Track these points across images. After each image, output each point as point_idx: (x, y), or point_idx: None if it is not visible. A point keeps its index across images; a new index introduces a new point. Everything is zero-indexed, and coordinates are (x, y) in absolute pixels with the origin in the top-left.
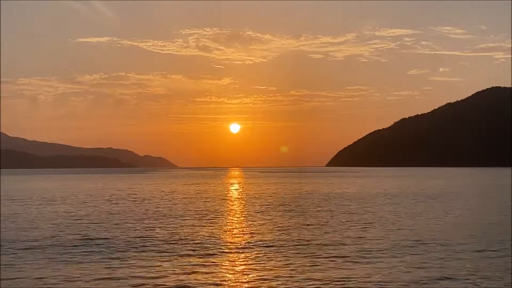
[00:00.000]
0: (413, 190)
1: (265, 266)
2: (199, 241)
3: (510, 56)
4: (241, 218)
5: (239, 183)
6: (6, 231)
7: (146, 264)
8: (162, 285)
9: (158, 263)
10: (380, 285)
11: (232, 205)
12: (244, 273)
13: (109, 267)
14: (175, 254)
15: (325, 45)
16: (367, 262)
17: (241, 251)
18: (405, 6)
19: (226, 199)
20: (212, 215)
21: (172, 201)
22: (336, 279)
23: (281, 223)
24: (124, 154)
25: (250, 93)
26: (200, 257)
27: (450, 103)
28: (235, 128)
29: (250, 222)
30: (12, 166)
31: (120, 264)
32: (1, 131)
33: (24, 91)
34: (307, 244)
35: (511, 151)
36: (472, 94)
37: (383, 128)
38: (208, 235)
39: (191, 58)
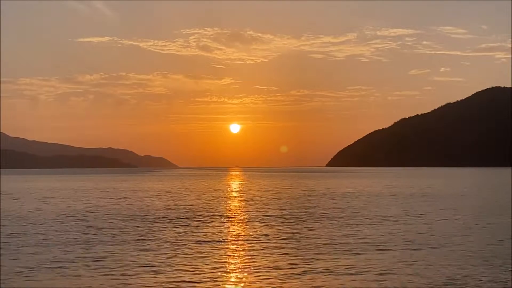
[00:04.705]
0: (414, 190)
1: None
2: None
3: (511, 56)
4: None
5: (239, 185)
6: (6, 231)
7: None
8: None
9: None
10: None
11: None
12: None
13: (110, 265)
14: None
15: (326, 45)
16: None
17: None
18: (406, 6)
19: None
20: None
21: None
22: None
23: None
24: (124, 154)
25: (251, 93)
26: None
27: (450, 103)
28: (235, 128)
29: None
30: (12, 166)
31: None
32: (1, 131)
33: (24, 91)
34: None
35: (511, 151)
36: (472, 94)
37: (383, 128)
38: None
39: (191, 58)
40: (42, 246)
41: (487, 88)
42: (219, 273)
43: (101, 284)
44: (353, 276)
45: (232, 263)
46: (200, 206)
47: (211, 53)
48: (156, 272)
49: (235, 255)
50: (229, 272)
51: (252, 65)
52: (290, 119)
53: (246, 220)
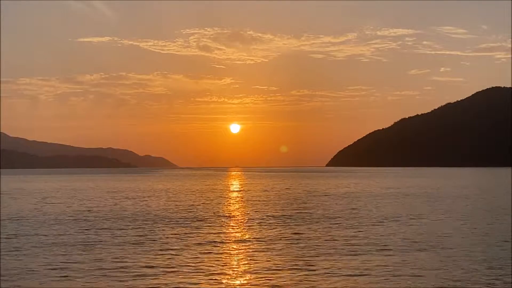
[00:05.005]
0: (414, 190)
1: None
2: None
3: (511, 56)
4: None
5: (239, 185)
6: (6, 231)
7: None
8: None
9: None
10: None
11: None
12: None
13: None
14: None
15: (326, 45)
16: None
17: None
18: (406, 6)
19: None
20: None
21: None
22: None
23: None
24: (124, 154)
25: (251, 93)
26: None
27: (450, 103)
28: (235, 128)
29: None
30: (12, 166)
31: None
32: (1, 131)
33: (24, 91)
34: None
35: (511, 151)
36: (472, 94)
37: (383, 128)
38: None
39: (191, 58)
40: (42, 246)
41: (487, 88)
42: (220, 274)
43: (101, 285)
44: (354, 276)
45: (232, 264)
46: (200, 207)
47: (211, 53)
48: (157, 273)
49: (236, 256)
50: (230, 273)
51: (252, 65)
52: (290, 119)
53: (247, 221)
